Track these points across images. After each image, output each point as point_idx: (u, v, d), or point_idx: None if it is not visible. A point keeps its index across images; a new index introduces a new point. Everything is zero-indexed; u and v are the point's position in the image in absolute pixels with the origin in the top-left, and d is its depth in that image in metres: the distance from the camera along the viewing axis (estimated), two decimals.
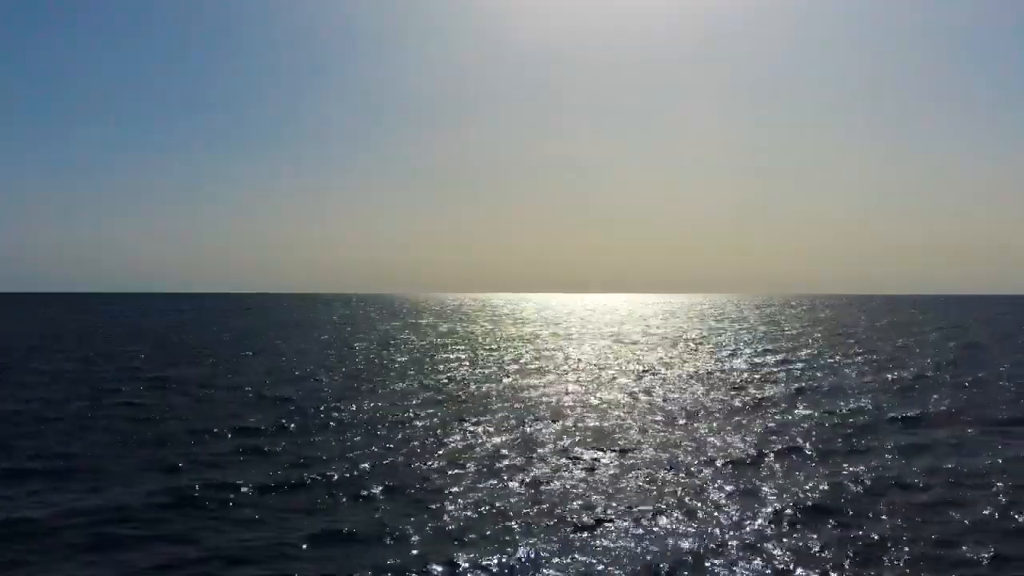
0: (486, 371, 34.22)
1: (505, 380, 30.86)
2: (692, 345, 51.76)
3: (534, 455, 17.04)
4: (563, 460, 16.58)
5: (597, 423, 21.03)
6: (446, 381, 30.44)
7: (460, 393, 26.94)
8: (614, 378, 31.63)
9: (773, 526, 12.23)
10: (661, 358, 41.24)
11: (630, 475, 15.36)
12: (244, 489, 14.02)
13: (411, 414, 22.32)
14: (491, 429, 20.05)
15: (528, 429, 20.08)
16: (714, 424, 21.01)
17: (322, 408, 23.25)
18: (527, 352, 45.11)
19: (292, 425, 20.48)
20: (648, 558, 10.82)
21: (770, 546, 11.28)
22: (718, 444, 18.34)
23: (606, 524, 12.22)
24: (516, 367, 36.01)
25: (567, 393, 26.89)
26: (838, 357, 41.81)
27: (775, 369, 35.49)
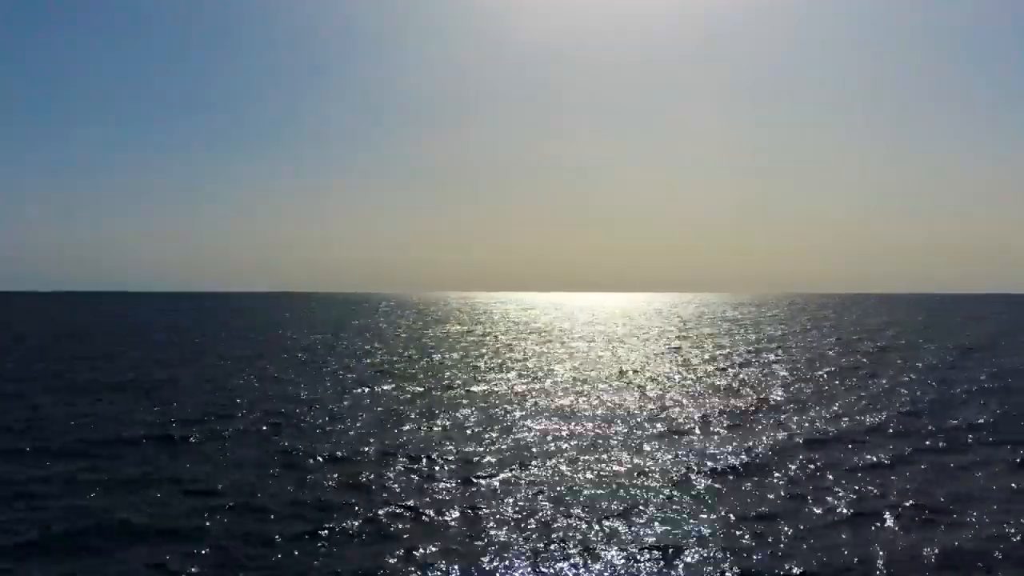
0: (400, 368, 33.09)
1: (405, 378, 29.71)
2: (660, 347, 50.47)
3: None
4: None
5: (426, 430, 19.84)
6: (355, 381, 29.32)
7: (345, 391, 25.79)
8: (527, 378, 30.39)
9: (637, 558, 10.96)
10: (587, 356, 40.04)
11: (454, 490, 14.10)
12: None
13: (274, 420, 21.19)
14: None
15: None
16: (588, 434, 19.82)
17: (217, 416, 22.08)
18: (459, 353, 43.97)
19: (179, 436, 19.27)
20: None
21: None
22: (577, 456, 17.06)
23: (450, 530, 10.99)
24: (429, 368, 34.85)
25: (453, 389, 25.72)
26: (788, 358, 40.55)
27: (720, 370, 34.21)
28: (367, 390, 28.33)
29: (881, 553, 11.14)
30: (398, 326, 79.55)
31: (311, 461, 16.80)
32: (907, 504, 13.55)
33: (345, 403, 25.15)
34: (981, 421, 21.83)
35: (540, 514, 12.96)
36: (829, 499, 13.89)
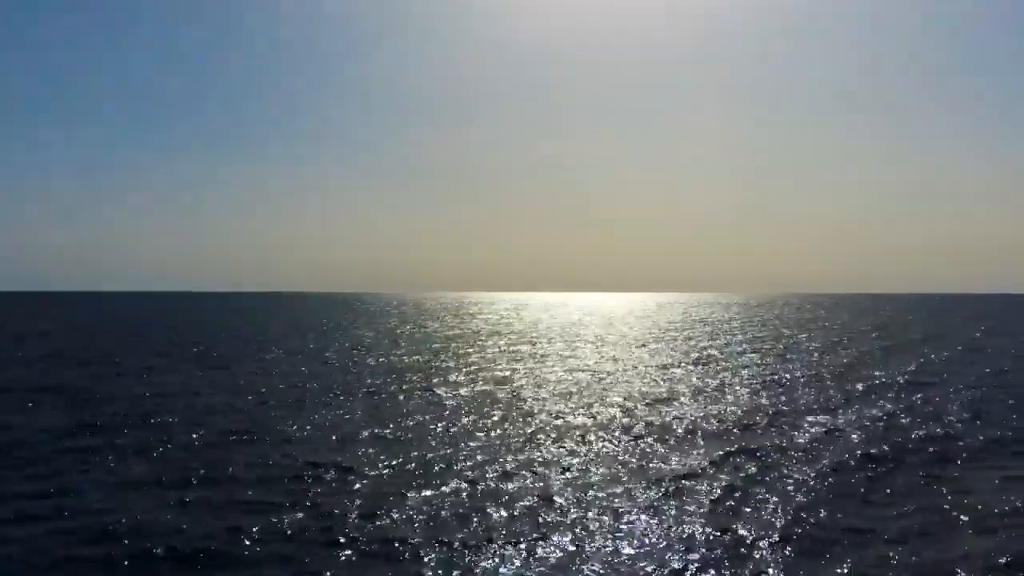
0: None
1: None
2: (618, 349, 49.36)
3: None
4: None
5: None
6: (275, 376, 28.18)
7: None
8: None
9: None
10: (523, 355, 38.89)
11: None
12: None
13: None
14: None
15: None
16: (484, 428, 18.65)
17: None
18: (416, 355, 42.89)
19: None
20: None
21: None
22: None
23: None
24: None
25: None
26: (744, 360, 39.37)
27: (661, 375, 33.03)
28: (303, 395, 27.25)
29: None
30: (376, 328, 78.55)
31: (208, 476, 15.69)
32: (818, 522, 12.45)
33: (280, 414, 24.04)
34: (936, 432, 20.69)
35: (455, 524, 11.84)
36: (722, 517, 12.77)
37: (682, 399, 26.54)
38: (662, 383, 31.08)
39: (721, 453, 17.83)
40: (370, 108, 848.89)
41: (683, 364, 39.04)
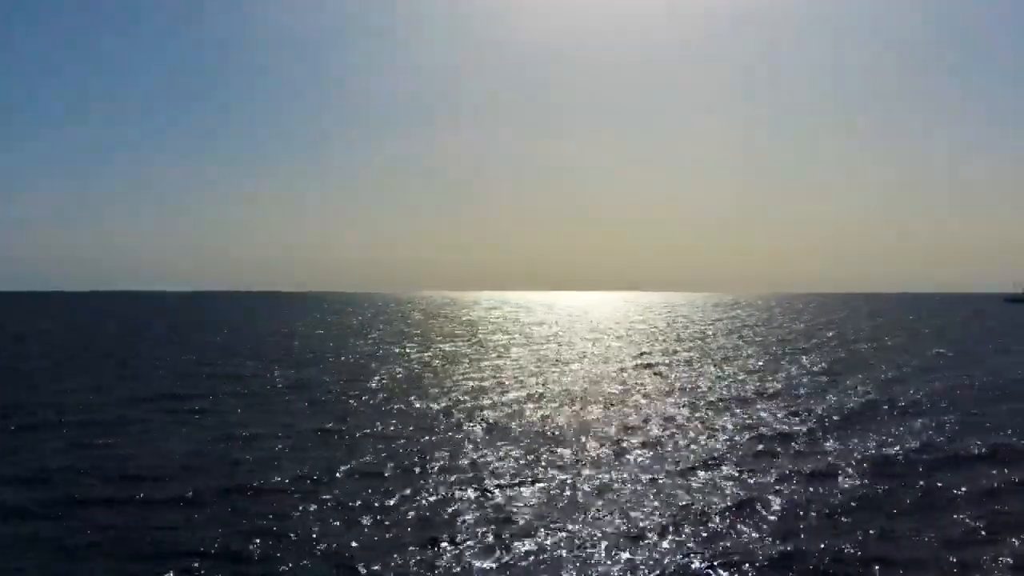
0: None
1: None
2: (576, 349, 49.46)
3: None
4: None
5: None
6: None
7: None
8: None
9: None
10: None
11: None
12: None
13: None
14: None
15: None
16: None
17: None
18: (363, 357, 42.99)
19: None
20: None
21: None
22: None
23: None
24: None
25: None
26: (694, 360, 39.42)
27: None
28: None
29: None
30: (348, 326, 78.64)
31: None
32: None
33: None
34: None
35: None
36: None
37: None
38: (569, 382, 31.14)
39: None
40: (370, 108, 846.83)
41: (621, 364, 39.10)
